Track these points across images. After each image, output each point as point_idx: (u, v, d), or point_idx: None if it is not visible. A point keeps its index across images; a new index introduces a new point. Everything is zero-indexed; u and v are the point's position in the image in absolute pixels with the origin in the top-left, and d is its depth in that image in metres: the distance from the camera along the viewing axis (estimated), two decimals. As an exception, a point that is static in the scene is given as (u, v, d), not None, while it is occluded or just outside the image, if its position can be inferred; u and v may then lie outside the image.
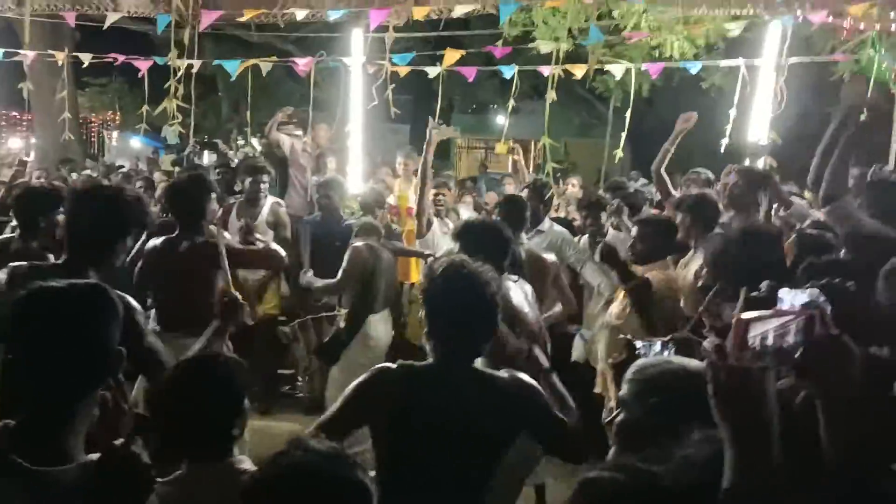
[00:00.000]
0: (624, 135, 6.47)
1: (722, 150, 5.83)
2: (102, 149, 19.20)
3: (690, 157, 7.55)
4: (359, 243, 4.48)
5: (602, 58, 8.92)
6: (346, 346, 4.39)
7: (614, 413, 1.69)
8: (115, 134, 18.80)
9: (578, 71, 6.71)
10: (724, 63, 6.82)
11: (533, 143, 30.82)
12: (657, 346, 1.94)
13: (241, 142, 12.78)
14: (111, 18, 6.03)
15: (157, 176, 9.02)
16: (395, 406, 2.05)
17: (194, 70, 6.38)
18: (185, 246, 3.51)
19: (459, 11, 5.72)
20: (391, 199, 6.00)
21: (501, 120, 22.41)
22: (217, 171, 6.77)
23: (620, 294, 3.62)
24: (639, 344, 1.98)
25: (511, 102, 6.61)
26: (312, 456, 1.33)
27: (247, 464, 1.86)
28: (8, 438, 1.36)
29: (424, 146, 4.66)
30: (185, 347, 2.46)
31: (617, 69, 6.85)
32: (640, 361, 1.68)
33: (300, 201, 6.35)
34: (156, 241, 3.61)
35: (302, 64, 6.36)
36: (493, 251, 2.76)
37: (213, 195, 3.77)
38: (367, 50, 6.42)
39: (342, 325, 4.53)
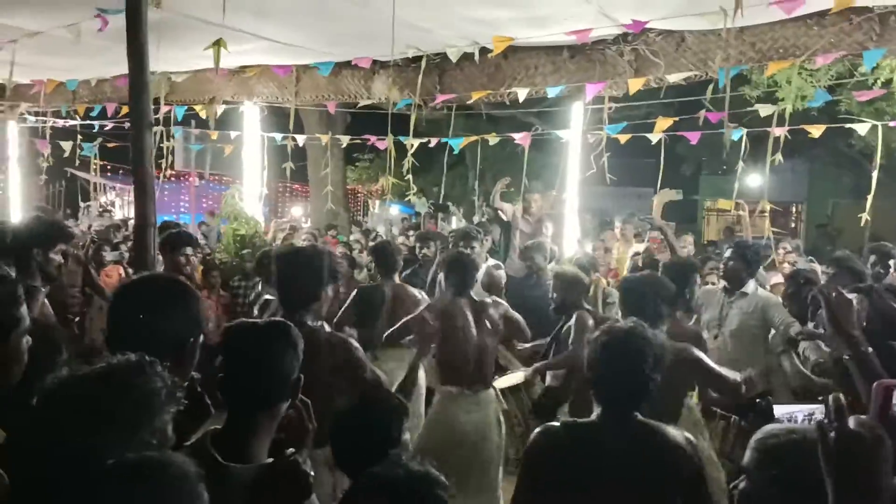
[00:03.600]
0: (870, 197, 5.91)
1: None
2: (366, 215, 21.53)
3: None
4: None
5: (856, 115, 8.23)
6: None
7: (737, 480, 1.68)
8: (377, 203, 21.02)
9: (815, 131, 6.34)
10: None
11: (795, 205, 28.35)
12: (799, 416, 1.86)
13: (485, 208, 13.71)
14: (362, 103, 6.99)
15: (400, 239, 10.04)
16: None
17: (431, 145, 7.11)
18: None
19: (675, 79, 5.73)
20: (613, 262, 6.10)
21: (755, 182, 21.12)
22: (450, 234, 7.42)
23: None
24: (779, 410, 1.90)
25: (740, 164, 6.40)
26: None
27: None
28: (212, 438, 1.77)
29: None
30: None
31: (862, 127, 6.33)
32: (765, 428, 1.65)
33: (520, 264, 6.69)
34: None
35: (519, 138, 6.78)
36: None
37: None
38: (589, 121, 6.68)
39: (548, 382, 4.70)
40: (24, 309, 1.61)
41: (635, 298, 3.28)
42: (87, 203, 13.66)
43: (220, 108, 7.60)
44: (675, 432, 2.23)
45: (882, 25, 5.19)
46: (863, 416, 1.23)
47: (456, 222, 14.36)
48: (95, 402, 1.28)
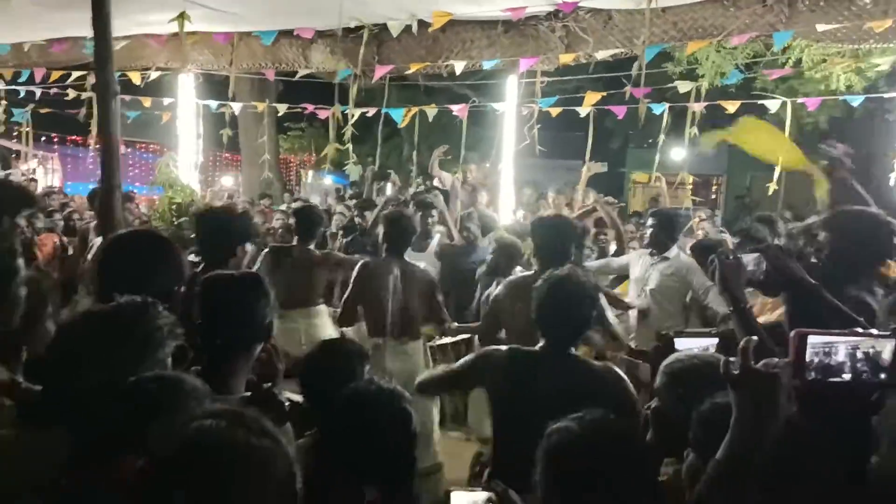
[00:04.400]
0: (777, 169, 6.42)
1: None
2: (299, 185, 21.36)
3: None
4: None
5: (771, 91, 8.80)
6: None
7: (650, 402, 2.00)
8: (310, 173, 20.87)
9: (731, 107, 6.80)
10: (888, 95, 6.57)
11: (716, 177, 29.54)
12: (695, 350, 2.19)
13: (418, 179, 13.88)
14: (301, 72, 7.06)
15: (340, 208, 10.15)
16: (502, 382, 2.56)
17: (369, 115, 7.26)
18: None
19: (603, 55, 6.06)
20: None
21: (678, 155, 22.00)
22: (389, 203, 7.60)
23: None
24: (680, 342, 2.23)
25: (661, 137, 6.85)
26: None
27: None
28: (196, 374, 1.97)
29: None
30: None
31: (773, 103, 6.83)
32: (672, 356, 1.98)
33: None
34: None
35: (457, 109, 7.01)
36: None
37: None
38: (523, 94, 6.97)
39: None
40: (21, 261, 1.76)
41: (546, 239, 3.73)
42: (8, 171, 13.14)
43: (155, 75, 7.52)
44: (601, 365, 2.62)
45: (791, 9, 5.64)
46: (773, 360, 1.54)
47: (391, 190, 14.51)
48: (110, 334, 1.47)
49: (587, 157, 6.77)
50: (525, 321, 2.86)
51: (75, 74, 7.82)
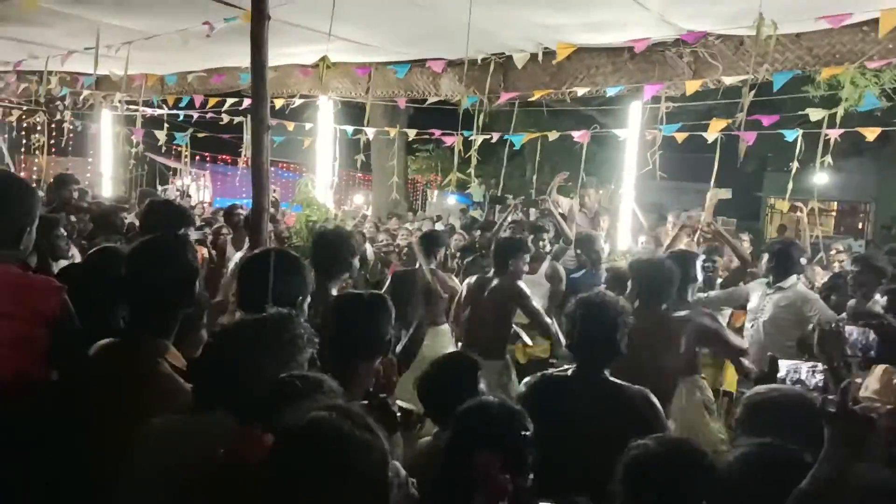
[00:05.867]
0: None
1: None
2: (424, 205, 22.06)
3: None
4: None
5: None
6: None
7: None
8: (435, 192, 21.54)
9: (870, 134, 6.48)
10: None
11: (864, 204, 27.44)
12: (803, 370, 2.21)
13: (542, 199, 14.04)
14: (431, 100, 7.42)
15: (459, 229, 10.48)
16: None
17: (493, 141, 7.50)
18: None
19: (732, 81, 5.97)
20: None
21: (822, 180, 20.75)
22: (512, 225, 7.81)
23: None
24: (784, 364, 2.25)
25: (794, 164, 6.62)
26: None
27: None
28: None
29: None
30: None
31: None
32: (754, 388, 2.02)
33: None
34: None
35: (578, 136, 7.10)
36: None
37: None
38: (648, 118, 6.97)
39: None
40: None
41: (642, 279, 3.73)
42: (165, 186, 14.52)
43: (299, 102, 8.14)
44: (636, 389, 2.60)
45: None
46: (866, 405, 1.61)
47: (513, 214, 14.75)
48: (260, 340, 1.76)
49: (712, 182, 6.65)
50: None
51: (230, 101, 8.60)
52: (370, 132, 8.51)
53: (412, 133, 8.64)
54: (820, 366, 2.22)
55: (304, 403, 1.45)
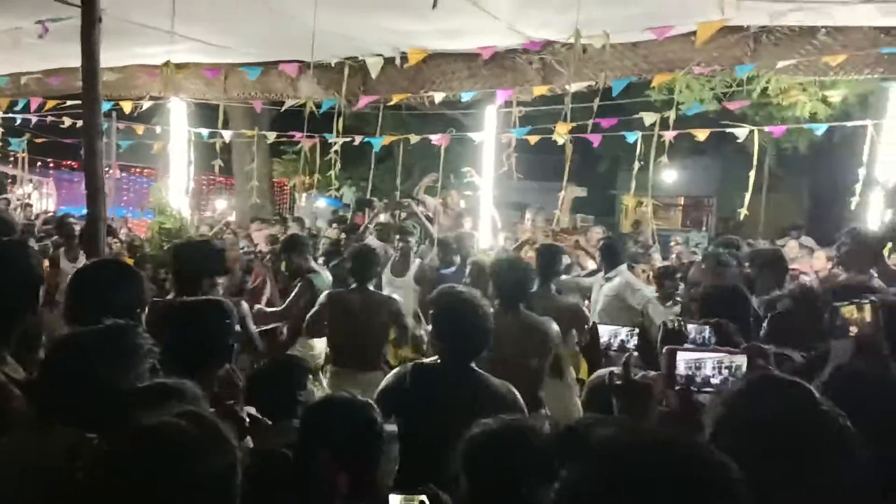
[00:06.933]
0: (747, 195, 6.68)
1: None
2: (292, 208, 21.60)
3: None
4: None
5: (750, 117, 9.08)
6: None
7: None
8: (303, 196, 21.14)
9: (701, 134, 7.07)
10: (850, 124, 6.83)
11: (707, 199, 29.67)
12: (622, 333, 2.43)
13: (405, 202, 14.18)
14: (289, 103, 7.33)
15: (331, 231, 10.37)
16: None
17: (355, 143, 7.52)
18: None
19: (576, 87, 6.32)
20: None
21: (671, 177, 22.31)
22: (376, 226, 7.84)
23: None
24: (604, 330, 2.46)
25: (637, 164, 7.12)
26: None
27: None
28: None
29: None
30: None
31: (741, 131, 7.08)
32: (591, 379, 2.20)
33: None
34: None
35: (435, 139, 7.28)
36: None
37: None
38: (502, 121, 7.25)
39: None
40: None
41: (500, 279, 3.85)
42: (4, 196, 13.39)
43: (147, 104, 7.77)
44: (499, 381, 2.71)
45: (756, 43, 5.91)
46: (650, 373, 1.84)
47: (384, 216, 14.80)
48: (98, 351, 1.70)
49: (564, 182, 7.00)
50: None
51: (70, 103, 8.07)
52: (227, 135, 8.26)
53: (272, 136, 8.47)
54: (636, 329, 2.47)
55: (156, 411, 1.43)
